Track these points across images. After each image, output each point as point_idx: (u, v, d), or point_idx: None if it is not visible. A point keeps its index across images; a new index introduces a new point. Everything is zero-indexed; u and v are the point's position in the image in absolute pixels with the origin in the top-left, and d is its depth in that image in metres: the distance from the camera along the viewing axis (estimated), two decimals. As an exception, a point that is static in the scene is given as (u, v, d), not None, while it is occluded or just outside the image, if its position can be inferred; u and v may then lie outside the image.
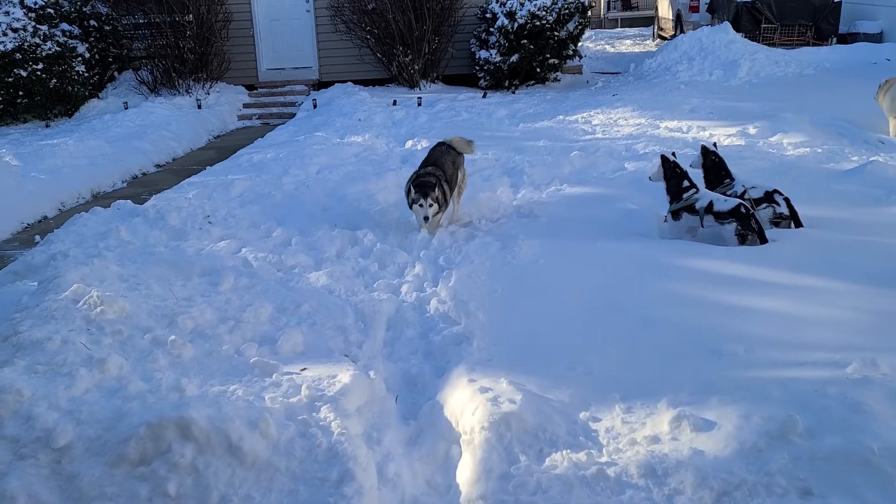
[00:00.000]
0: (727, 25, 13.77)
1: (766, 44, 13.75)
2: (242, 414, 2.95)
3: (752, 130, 8.66)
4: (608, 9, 35.89)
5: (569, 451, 2.92)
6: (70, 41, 12.47)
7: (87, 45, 12.91)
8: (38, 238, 6.48)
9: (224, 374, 3.52)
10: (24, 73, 11.73)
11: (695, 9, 17.17)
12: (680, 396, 3.13)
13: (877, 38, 14.26)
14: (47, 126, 12.17)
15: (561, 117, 10.66)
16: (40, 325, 3.56)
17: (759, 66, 12.44)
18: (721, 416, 2.94)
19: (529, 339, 3.95)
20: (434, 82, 14.16)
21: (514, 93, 13.44)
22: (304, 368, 3.60)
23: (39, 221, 7.39)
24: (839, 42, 14.47)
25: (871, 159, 7.00)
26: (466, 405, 3.24)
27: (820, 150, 7.68)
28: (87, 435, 2.85)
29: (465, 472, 2.94)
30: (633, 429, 3.03)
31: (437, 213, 5.74)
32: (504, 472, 2.85)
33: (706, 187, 5.52)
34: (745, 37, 13.61)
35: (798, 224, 5.28)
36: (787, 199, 5.32)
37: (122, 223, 5.95)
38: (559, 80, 14.16)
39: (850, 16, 14.90)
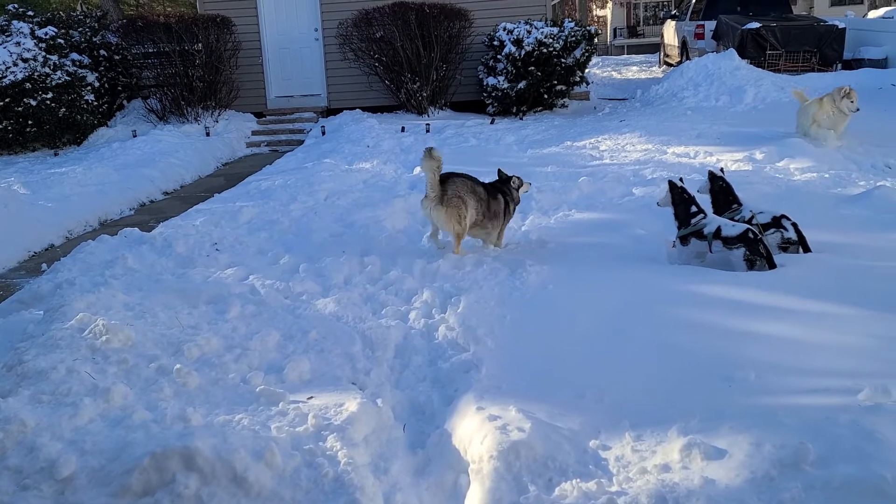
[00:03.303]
0: (732, 52, 13.83)
1: (771, 70, 13.79)
2: (248, 444, 2.92)
3: (758, 156, 8.66)
4: (614, 36, 36.27)
5: (578, 480, 2.87)
6: (80, 70, 12.65)
7: (96, 75, 13.09)
8: (44, 266, 6.49)
9: (230, 403, 3.50)
10: (33, 103, 11.88)
11: (700, 36, 17.27)
12: (690, 424, 3.09)
13: (881, 63, 14.29)
14: (56, 154, 12.30)
15: (569, 143, 10.69)
16: (45, 354, 3.55)
17: (764, 92, 12.47)
18: (732, 444, 2.90)
19: (539, 365, 3.91)
20: (442, 109, 14.25)
21: (521, 119, 13.51)
22: (311, 397, 3.58)
23: (46, 249, 7.41)
24: (844, 68, 14.51)
25: (878, 184, 6.98)
26: (475, 434, 3.20)
27: (827, 175, 7.67)
28: (90, 465, 2.82)
29: (474, 502, 2.89)
30: (644, 457, 2.99)
31: None
32: (513, 501, 2.80)
33: (714, 212, 5.50)
34: (751, 63, 13.65)
35: (806, 249, 5.25)
36: (794, 224, 5.29)
37: (128, 251, 5.97)
38: (567, 107, 14.24)
39: (855, 42, 14.95)
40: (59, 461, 2.80)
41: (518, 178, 6.17)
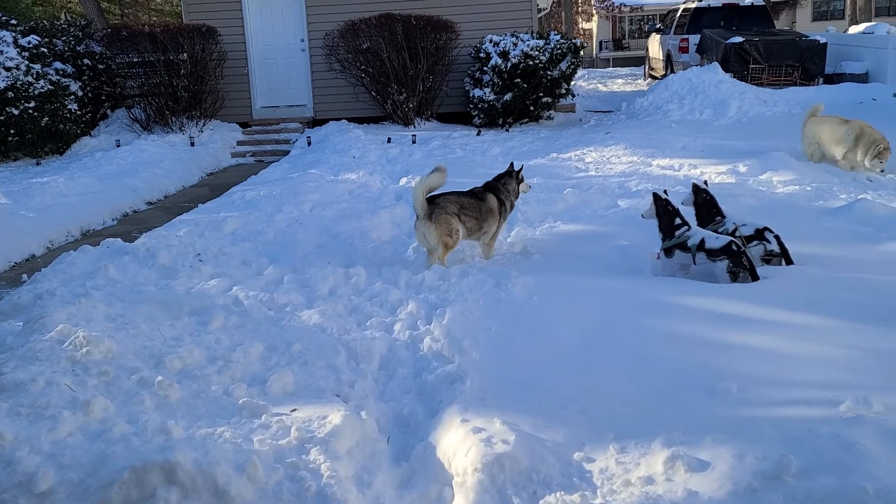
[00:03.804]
0: (716, 66, 13.98)
1: (754, 84, 13.95)
2: (230, 457, 2.90)
3: (742, 168, 8.74)
4: (600, 49, 36.55)
5: (563, 492, 2.87)
6: (63, 80, 12.56)
7: (80, 84, 12.99)
8: (24, 277, 6.41)
9: (212, 416, 3.47)
10: (15, 112, 11.77)
11: (684, 49, 17.45)
12: (674, 436, 3.09)
13: (862, 78, 14.49)
14: (38, 164, 12.19)
15: (554, 155, 10.73)
16: (24, 367, 3.51)
17: (747, 106, 12.60)
18: (715, 455, 2.90)
19: (524, 377, 3.91)
20: (428, 120, 14.28)
21: (507, 131, 13.55)
22: (295, 409, 3.55)
23: (27, 260, 7.33)
24: (826, 82, 14.70)
25: (859, 197, 7.06)
26: (459, 446, 3.19)
27: (809, 188, 7.75)
28: (69, 479, 2.78)
29: (458, 516, 2.88)
30: (628, 469, 2.99)
31: None
32: (497, 514, 2.79)
33: (698, 225, 5.54)
34: (734, 77, 13.82)
35: (789, 261, 5.29)
36: (777, 237, 5.34)
37: (110, 261, 5.92)
38: (552, 119, 14.31)
39: (836, 57, 15.16)
40: (37, 475, 2.77)
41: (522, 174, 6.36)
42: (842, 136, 8.61)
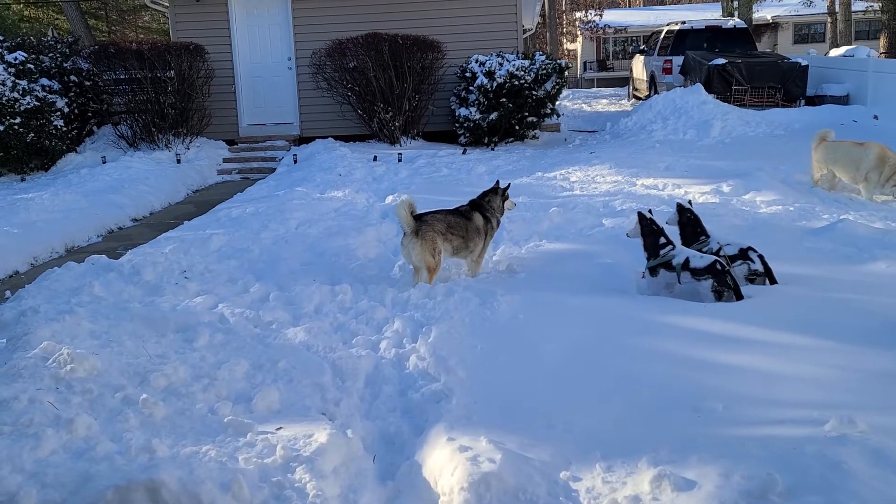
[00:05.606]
0: (699, 87, 14.15)
1: (736, 105, 14.12)
2: (214, 476, 2.88)
3: (725, 188, 8.82)
4: (585, 69, 36.92)
5: (549, 512, 2.86)
6: (49, 96, 12.51)
7: (66, 100, 12.95)
8: (8, 294, 6.35)
9: (197, 434, 3.44)
10: (1, 128, 11.70)
11: (668, 70, 17.65)
12: (660, 454, 3.11)
13: (843, 100, 14.71)
14: (23, 180, 12.11)
15: (539, 174, 10.80)
16: (7, 384, 3.47)
17: (730, 126, 12.75)
18: (701, 474, 2.92)
19: (510, 395, 3.91)
20: (414, 139, 14.32)
21: (493, 150, 13.62)
22: (280, 427, 3.53)
23: (10, 276, 7.26)
24: (807, 104, 14.90)
25: (841, 217, 7.15)
26: (445, 465, 3.18)
27: (792, 208, 7.84)
28: (51, 499, 2.75)
29: (444, 535, 2.87)
30: (614, 488, 2.99)
31: None
32: (483, 534, 2.78)
33: (682, 244, 5.58)
34: (717, 98, 13.98)
35: (772, 281, 5.34)
36: (761, 256, 5.39)
37: (95, 278, 5.88)
38: (537, 138, 14.39)
39: (818, 79, 15.39)
40: (18, 494, 2.73)
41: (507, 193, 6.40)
42: (860, 157, 8.43)
